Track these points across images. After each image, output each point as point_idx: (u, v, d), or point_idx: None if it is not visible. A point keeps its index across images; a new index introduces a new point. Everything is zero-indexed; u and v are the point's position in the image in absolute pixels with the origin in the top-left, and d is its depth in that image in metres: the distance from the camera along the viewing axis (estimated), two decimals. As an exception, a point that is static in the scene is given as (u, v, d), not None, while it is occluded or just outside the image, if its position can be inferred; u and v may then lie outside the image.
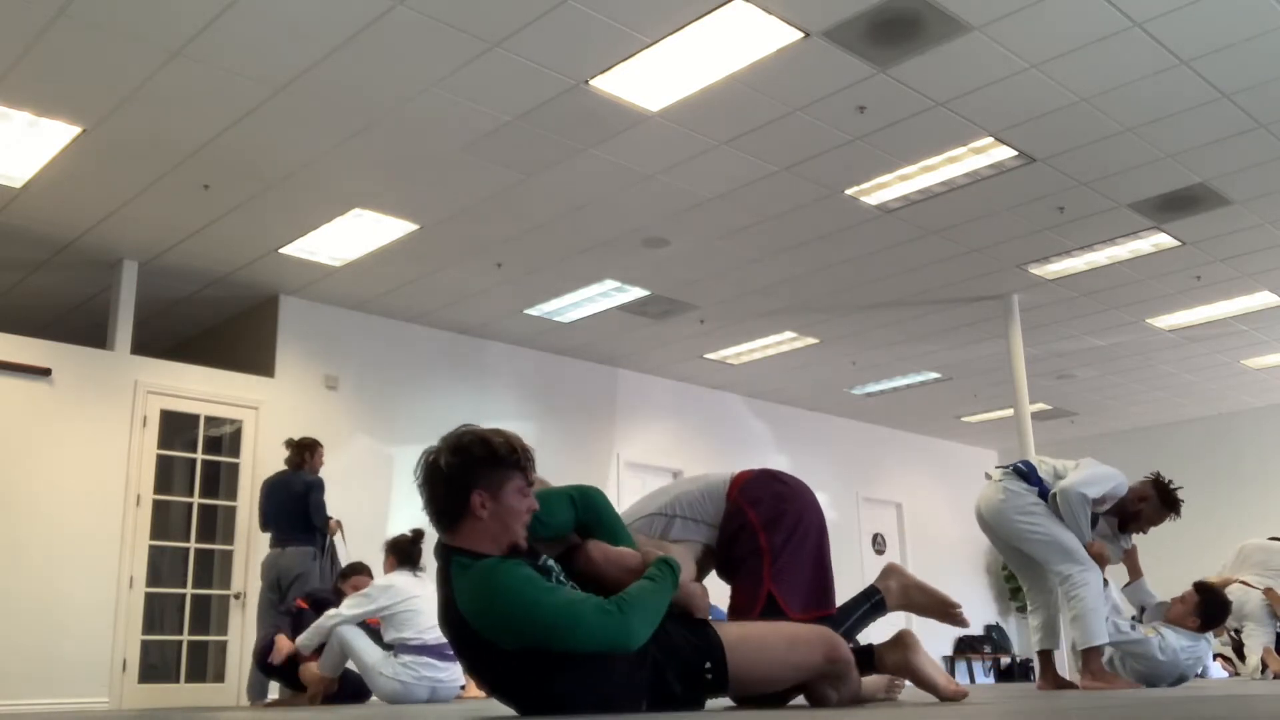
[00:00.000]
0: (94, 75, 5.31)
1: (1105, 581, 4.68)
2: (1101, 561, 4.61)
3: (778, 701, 2.58)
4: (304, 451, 7.04)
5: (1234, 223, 7.36)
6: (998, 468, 4.94)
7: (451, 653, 5.72)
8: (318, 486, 6.88)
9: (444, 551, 2.32)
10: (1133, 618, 4.99)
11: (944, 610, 2.79)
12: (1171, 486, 4.83)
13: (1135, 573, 5.05)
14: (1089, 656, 4.49)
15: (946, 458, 13.62)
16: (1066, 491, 4.55)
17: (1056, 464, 4.78)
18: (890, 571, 2.85)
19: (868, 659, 2.66)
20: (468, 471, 2.27)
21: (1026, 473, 4.73)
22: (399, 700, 5.51)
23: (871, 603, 2.73)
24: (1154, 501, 4.80)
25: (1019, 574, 5.00)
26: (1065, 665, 5.16)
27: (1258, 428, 12.45)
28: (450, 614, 2.29)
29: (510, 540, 2.29)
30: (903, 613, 2.96)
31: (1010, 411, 9.16)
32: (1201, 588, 5.06)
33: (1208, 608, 4.94)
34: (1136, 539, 5.03)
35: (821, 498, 2.97)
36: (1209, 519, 10.55)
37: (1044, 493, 4.64)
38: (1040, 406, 11.74)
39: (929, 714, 2.08)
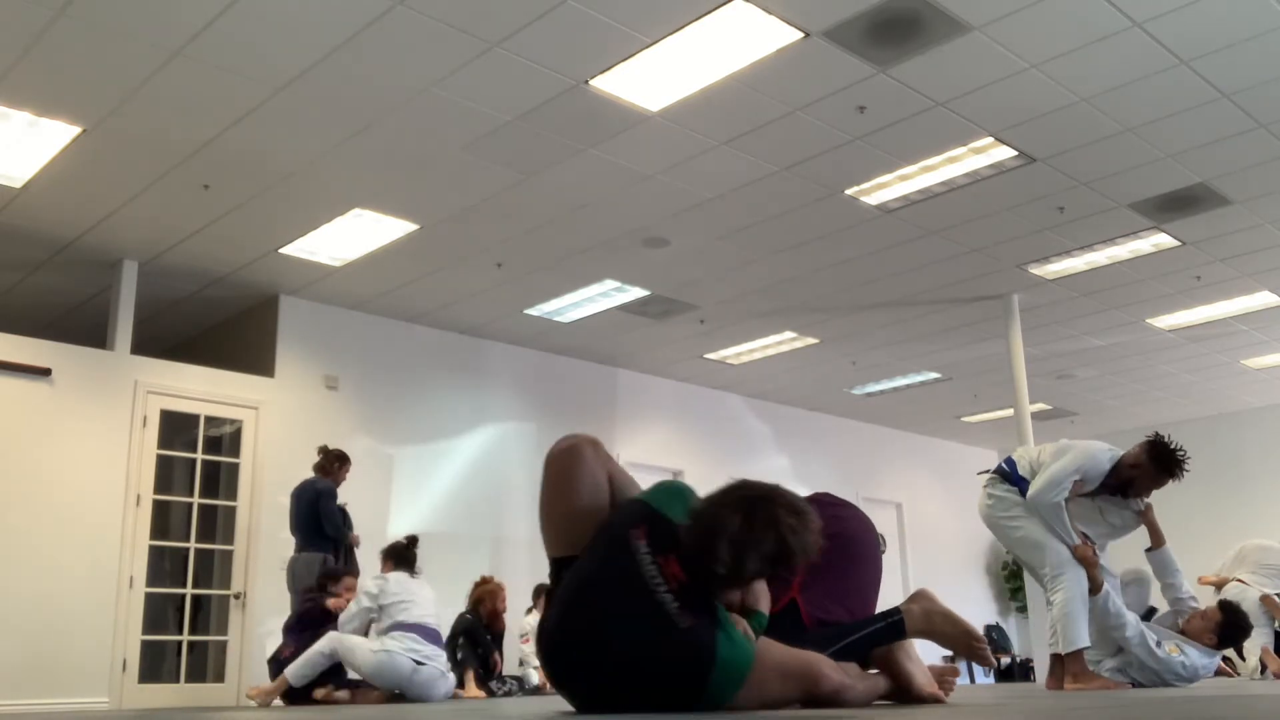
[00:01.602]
0: (94, 75, 5.30)
1: (1142, 599, 4.60)
2: (1089, 565, 4.56)
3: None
4: (332, 461, 7.09)
5: (1234, 223, 7.36)
6: (982, 472, 4.91)
7: (435, 636, 5.97)
8: (326, 494, 6.89)
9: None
10: (1152, 621, 4.92)
11: (968, 643, 2.65)
12: (1171, 447, 4.56)
13: (1157, 538, 4.83)
14: (1070, 659, 4.49)
15: (946, 458, 13.61)
16: (1034, 501, 4.54)
17: (1034, 459, 4.71)
18: (918, 595, 2.72)
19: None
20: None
21: (1009, 473, 4.70)
22: (383, 671, 5.83)
23: (888, 622, 2.60)
24: (1148, 468, 4.59)
25: (1030, 573, 4.98)
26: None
27: (1258, 428, 12.44)
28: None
29: None
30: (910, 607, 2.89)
31: (1010, 411, 9.16)
32: (1226, 607, 5.02)
33: (1229, 629, 4.90)
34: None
35: (821, 498, 2.92)
36: (1210, 519, 10.56)
37: (1025, 490, 4.62)
38: (1040, 406, 11.74)
39: (928, 716, 2.08)
